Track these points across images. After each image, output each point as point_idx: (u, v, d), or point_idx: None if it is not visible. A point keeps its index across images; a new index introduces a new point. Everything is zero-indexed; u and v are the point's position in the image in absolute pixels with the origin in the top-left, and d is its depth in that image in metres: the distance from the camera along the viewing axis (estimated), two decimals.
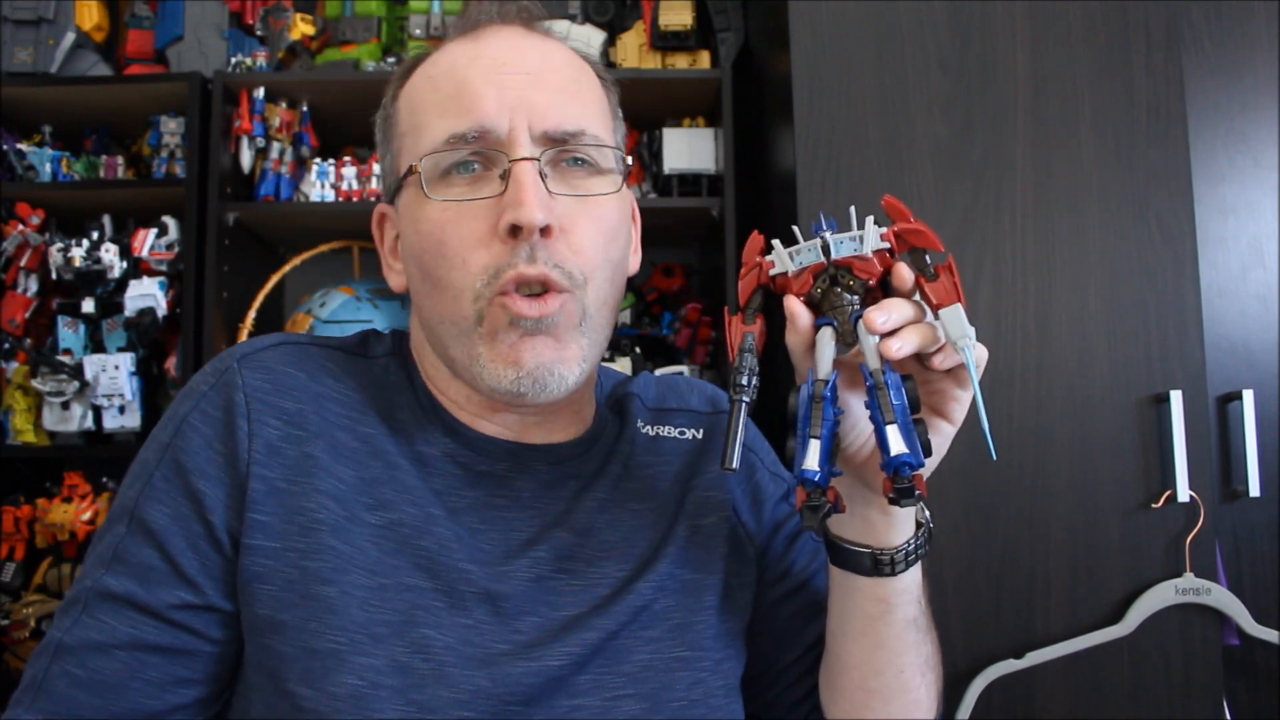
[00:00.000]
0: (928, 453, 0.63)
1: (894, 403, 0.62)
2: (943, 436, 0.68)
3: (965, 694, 1.38)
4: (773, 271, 0.68)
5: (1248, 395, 1.51)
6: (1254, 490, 1.48)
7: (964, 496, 1.42)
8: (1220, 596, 1.39)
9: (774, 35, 1.66)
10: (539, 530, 0.75)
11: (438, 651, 0.68)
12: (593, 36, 1.94)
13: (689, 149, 1.88)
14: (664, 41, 1.91)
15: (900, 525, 0.72)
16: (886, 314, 0.62)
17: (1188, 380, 1.42)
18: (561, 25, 1.93)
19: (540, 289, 0.70)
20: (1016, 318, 1.45)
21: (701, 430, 0.86)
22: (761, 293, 0.69)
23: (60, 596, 1.77)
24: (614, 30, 1.98)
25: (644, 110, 1.94)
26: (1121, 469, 1.42)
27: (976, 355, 0.64)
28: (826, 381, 0.64)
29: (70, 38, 1.89)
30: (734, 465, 0.62)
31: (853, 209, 0.66)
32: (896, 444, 0.61)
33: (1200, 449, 1.41)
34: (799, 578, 0.84)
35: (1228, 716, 1.41)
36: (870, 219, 0.66)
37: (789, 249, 0.67)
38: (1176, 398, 1.40)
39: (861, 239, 0.65)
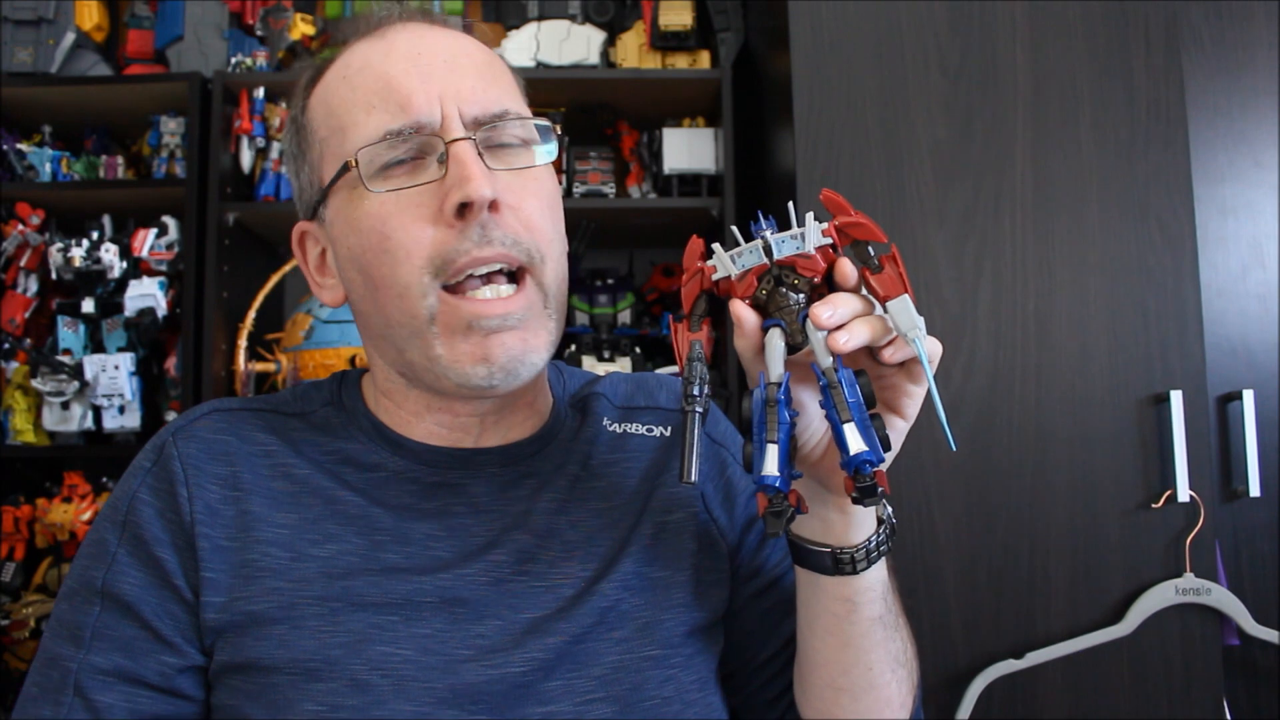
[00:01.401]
0: (887, 448, 0.61)
1: (849, 400, 0.61)
2: (896, 433, 0.67)
3: (965, 694, 1.38)
4: (715, 276, 0.66)
5: (1248, 395, 1.52)
6: (1254, 490, 1.48)
7: (964, 496, 1.42)
8: (1220, 596, 1.39)
9: (774, 35, 1.66)
10: (498, 533, 0.75)
11: (396, 665, 0.69)
12: (593, 36, 1.94)
13: (689, 149, 1.88)
14: (664, 41, 1.92)
15: (859, 524, 0.70)
16: (832, 308, 0.61)
17: (1188, 380, 1.42)
18: (559, 28, 1.94)
19: (501, 270, 0.70)
20: (1016, 318, 1.45)
21: (670, 428, 0.85)
22: (706, 298, 0.67)
23: None
24: (614, 30, 1.98)
25: (644, 110, 1.94)
26: (1121, 469, 1.42)
27: (929, 348, 0.63)
28: (779, 384, 0.63)
29: (70, 38, 1.89)
30: (692, 479, 0.61)
31: (791, 205, 0.65)
32: (855, 442, 0.60)
33: (1200, 449, 1.41)
34: (772, 574, 0.84)
35: (1228, 716, 1.41)
36: (810, 215, 0.64)
37: (730, 251, 0.66)
38: (1176, 398, 1.40)
39: (803, 236, 0.64)
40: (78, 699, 0.69)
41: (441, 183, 0.69)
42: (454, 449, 0.78)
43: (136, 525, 0.72)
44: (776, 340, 0.64)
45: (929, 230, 1.46)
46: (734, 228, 0.66)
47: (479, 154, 0.70)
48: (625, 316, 1.93)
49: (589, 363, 1.86)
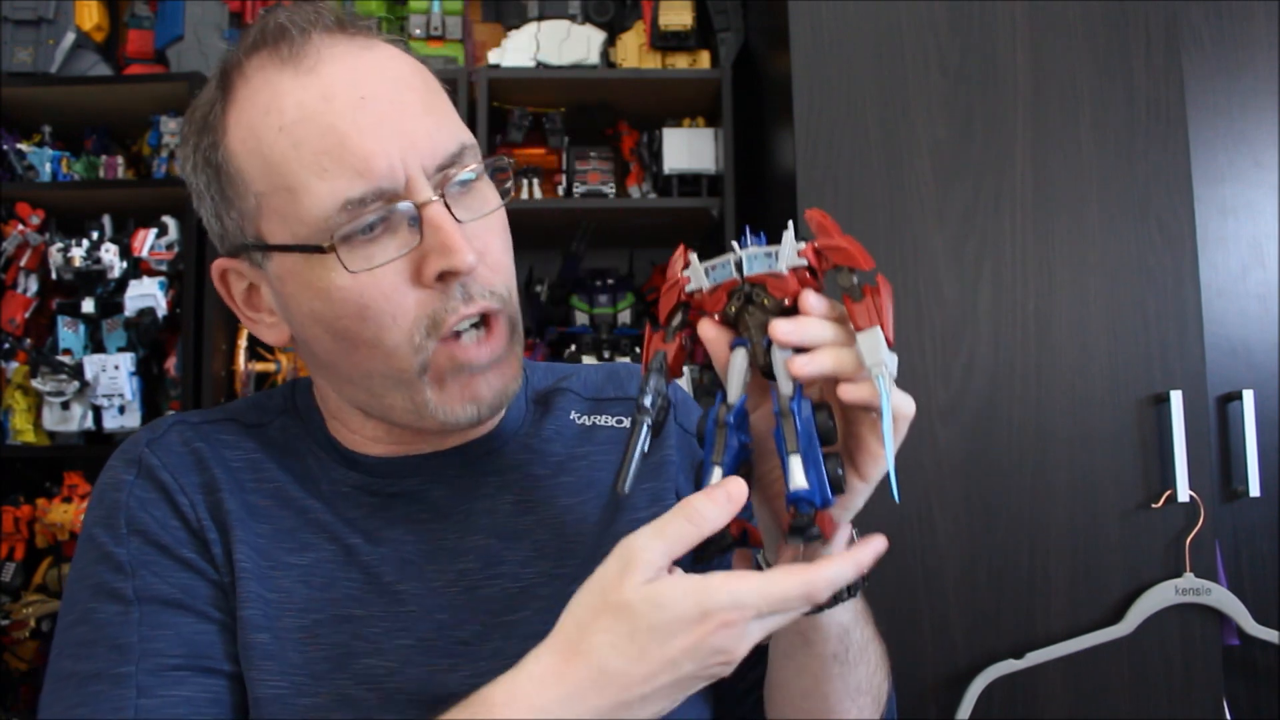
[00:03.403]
0: (837, 490, 0.58)
1: (799, 430, 0.57)
2: (855, 494, 0.62)
3: (965, 694, 1.38)
4: (688, 288, 0.63)
5: (1248, 395, 1.52)
6: (1254, 490, 1.48)
7: (964, 496, 1.42)
8: (1220, 596, 1.39)
9: (774, 35, 1.66)
10: (463, 536, 0.74)
11: (381, 678, 0.68)
12: (593, 36, 1.94)
13: (689, 149, 1.88)
14: (664, 41, 1.91)
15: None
16: (797, 327, 0.58)
17: (1188, 380, 1.42)
18: (559, 28, 1.93)
19: (480, 319, 0.70)
20: (1016, 318, 1.45)
21: None
22: (684, 309, 0.64)
23: (60, 597, 1.76)
24: (614, 30, 1.98)
25: (644, 110, 1.94)
26: (1121, 469, 1.42)
27: (902, 406, 0.59)
28: (732, 406, 0.60)
29: (70, 38, 1.89)
30: (625, 490, 0.59)
31: (791, 223, 0.61)
32: (796, 478, 0.57)
33: (1200, 449, 1.41)
34: None
35: (1228, 716, 1.41)
36: (788, 233, 0.60)
37: (705, 264, 0.63)
38: (1176, 398, 1.40)
39: (776, 255, 0.60)
40: (144, 699, 0.65)
41: (417, 249, 0.67)
42: (407, 456, 0.77)
43: (147, 534, 0.70)
44: (739, 360, 0.61)
45: (929, 230, 1.46)
46: (735, 242, 0.63)
47: (450, 212, 0.67)
48: (625, 316, 1.93)
49: (589, 363, 1.86)
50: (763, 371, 0.60)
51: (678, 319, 0.64)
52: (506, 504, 0.77)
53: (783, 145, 1.60)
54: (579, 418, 0.83)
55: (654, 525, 0.57)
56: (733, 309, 0.61)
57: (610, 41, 1.97)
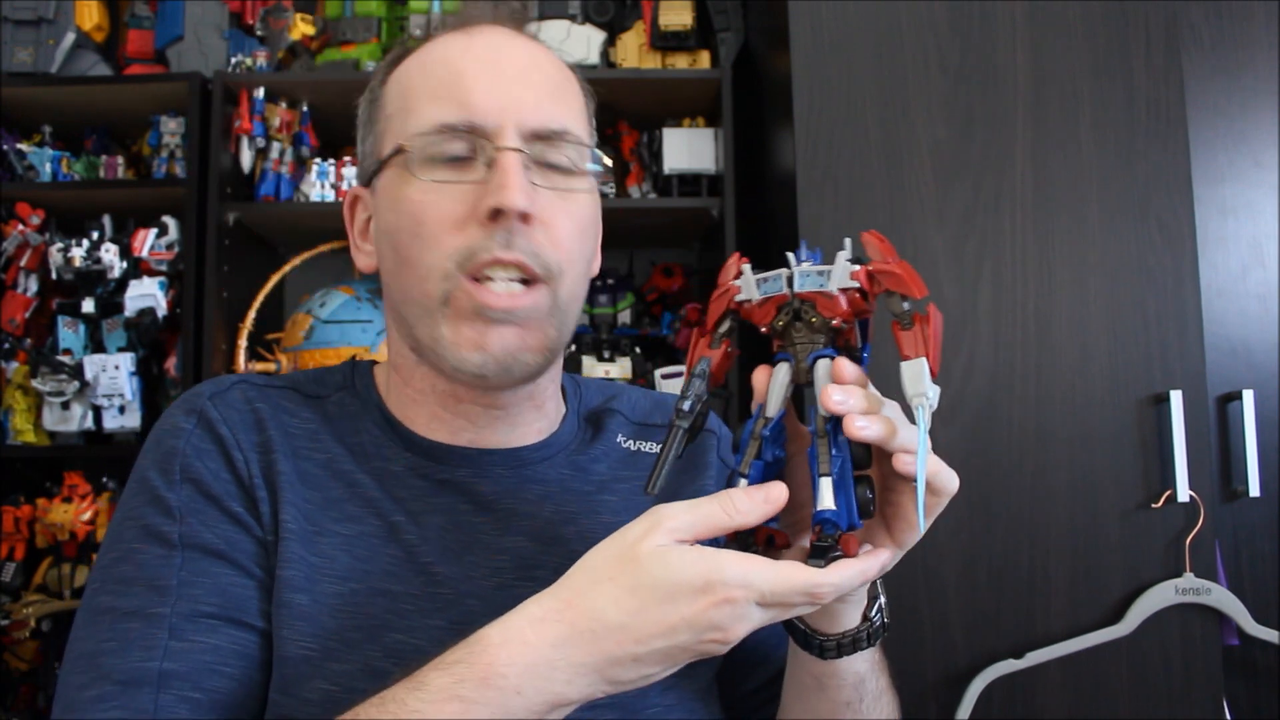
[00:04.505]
0: (865, 514, 0.58)
1: (833, 453, 0.58)
2: (879, 561, 0.61)
3: (965, 694, 1.38)
4: (738, 297, 0.64)
5: (1248, 395, 1.52)
6: (1254, 490, 1.48)
7: (964, 496, 1.41)
8: (1220, 596, 1.39)
9: (774, 35, 1.66)
10: (501, 533, 0.75)
11: (410, 655, 0.68)
12: (593, 36, 1.94)
13: (689, 149, 1.88)
14: (664, 41, 1.92)
15: (835, 615, 0.67)
16: (845, 396, 0.58)
17: (1188, 380, 1.42)
18: (559, 28, 1.93)
19: (517, 276, 0.71)
20: (1016, 318, 1.45)
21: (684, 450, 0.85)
22: (732, 317, 0.65)
23: (60, 597, 1.77)
24: (614, 30, 1.98)
25: (644, 110, 1.94)
26: (1121, 469, 1.42)
27: (946, 484, 0.60)
28: (770, 420, 0.61)
29: (70, 38, 1.89)
30: (654, 490, 0.60)
31: (848, 241, 0.62)
32: (825, 498, 0.57)
33: (1200, 449, 1.41)
34: None
35: (1228, 716, 1.41)
36: (843, 253, 0.61)
37: (758, 275, 0.64)
38: (1176, 398, 1.40)
39: (829, 274, 0.60)
40: (174, 641, 0.66)
41: (482, 184, 0.71)
42: (463, 448, 0.78)
43: (202, 482, 0.71)
44: (781, 375, 0.62)
45: (929, 230, 1.46)
46: (790, 254, 0.63)
47: (525, 166, 0.71)
48: (625, 316, 1.93)
49: (589, 363, 1.86)
50: (801, 388, 0.61)
51: (725, 326, 0.65)
52: (547, 512, 0.78)
53: (783, 145, 1.60)
54: (625, 441, 0.85)
55: (690, 502, 0.58)
56: (780, 323, 0.62)
57: (610, 41, 1.97)
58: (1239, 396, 1.53)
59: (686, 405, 0.62)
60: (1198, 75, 1.64)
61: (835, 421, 0.58)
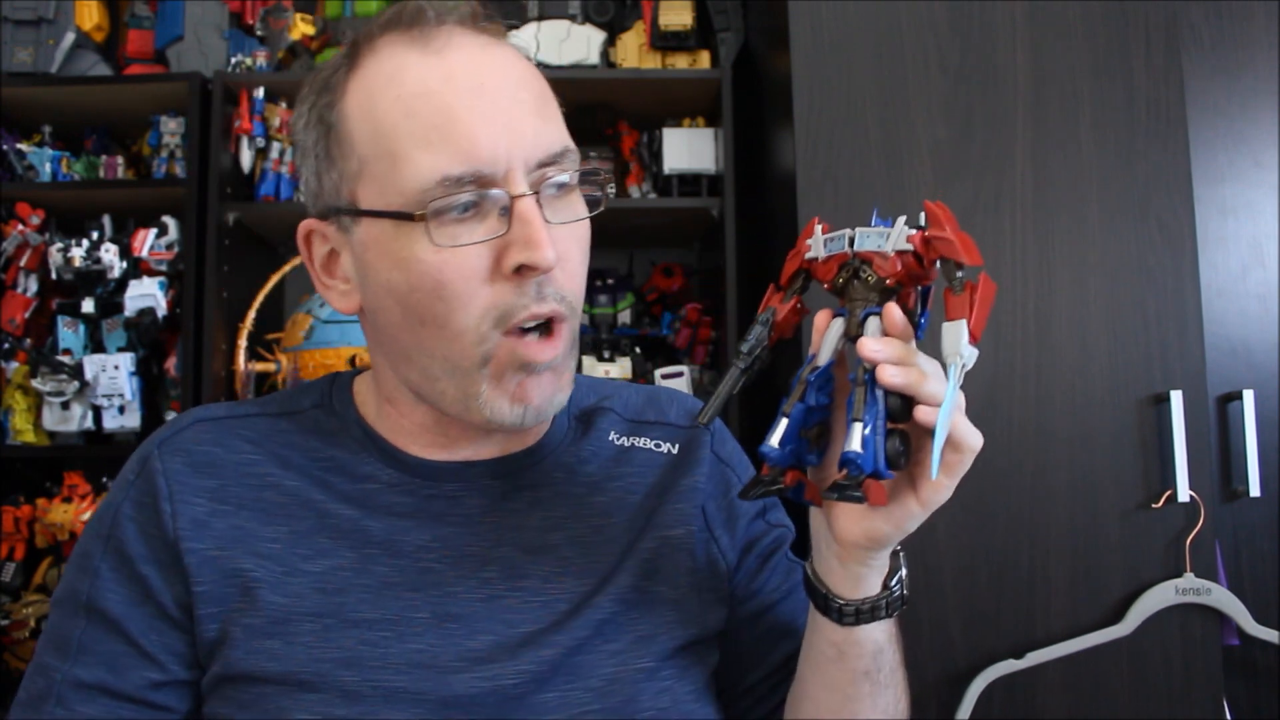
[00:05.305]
0: (894, 466, 0.61)
1: (868, 403, 0.61)
2: (909, 516, 0.65)
3: (965, 694, 1.38)
4: (808, 255, 0.68)
5: (1248, 395, 1.52)
6: (1254, 490, 1.48)
7: (964, 496, 1.41)
8: (1220, 596, 1.39)
9: (774, 35, 1.66)
10: (490, 546, 0.75)
11: (388, 678, 0.69)
12: (593, 36, 1.94)
13: (689, 149, 1.88)
14: (664, 41, 1.91)
15: (857, 579, 0.69)
16: (880, 346, 0.61)
17: (1188, 380, 1.42)
18: (559, 28, 1.93)
19: (547, 323, 0.71)
20: (1016, 318, 1.45)
21: (678, 445, 0.85)
22: (803, 276, 0.69)
23: None
24: (614, 30, 1.98)
25: (644, 110, 1.94)
26: (1121, 469, 1.42)
27: (968, 437, 0.63)
28: (818, 367, 0.65)
29: (70, 38, 1.89)
30: (706, 420, 0.66)
31: (925, 208, 0.65)
32: (854, 440, 0.60)
33: (1200, 449, 1.41)
34: (768, 599, 0.83)
35: (1228, 716, 1.41)
36: (903, 219, 0.64)
37: (827, 235, 0.67)
38: (1176, 398, 1.40)
39: (887, 236, 0.64)
40: (59, 709, 0.70)
41: (503, 237, 0.68)
42: (448, 462, 0.77)
43: (120, 541, 0.73)
44: (835, 329, 0.66)
45: None
46: (876, 216, 0.67)
47: (540, 209, 0.69)
48: (625, 316, 1.93)
49: (589, 363, 1.86)
50: (853, 340, 0.64)
51: (798, 283, 0.69)
52: (537, 520, 0.77)
53: (783, 145, 1.60)
54: (618, 438, 0.85)
55: None
56: (840, 280, 0.66)
57: (610, 41, 1.97)
58: (1239, 396, 1.53)
59: (745, 347, 0.67)
60: (1198, 75, 1.64)
61: (873, 373, 0.61)
